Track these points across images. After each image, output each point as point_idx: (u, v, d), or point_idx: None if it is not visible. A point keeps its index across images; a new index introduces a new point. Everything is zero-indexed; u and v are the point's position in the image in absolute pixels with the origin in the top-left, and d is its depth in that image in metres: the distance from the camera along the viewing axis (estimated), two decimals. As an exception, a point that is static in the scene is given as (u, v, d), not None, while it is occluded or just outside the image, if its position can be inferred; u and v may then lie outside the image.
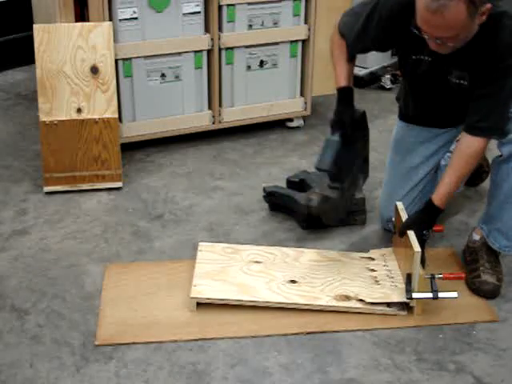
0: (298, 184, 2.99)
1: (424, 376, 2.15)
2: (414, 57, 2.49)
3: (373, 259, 2.63)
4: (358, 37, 2.53)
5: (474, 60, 2.35)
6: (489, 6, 2.18)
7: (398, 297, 2.40)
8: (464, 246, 2.69)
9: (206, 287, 2.43)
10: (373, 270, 2.56)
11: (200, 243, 2.69)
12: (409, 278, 2.36)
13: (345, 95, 2.56)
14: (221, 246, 2.68)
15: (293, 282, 2.49)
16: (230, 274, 2.52)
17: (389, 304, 2.39)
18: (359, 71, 4.34)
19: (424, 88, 2.61)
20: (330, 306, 2.38)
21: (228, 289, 2.43)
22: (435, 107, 2.65)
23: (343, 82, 2.56)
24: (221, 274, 2.51)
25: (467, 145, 2.39)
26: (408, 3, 2.27)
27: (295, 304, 2.38)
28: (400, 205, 2.58)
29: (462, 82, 2.43)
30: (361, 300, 2.40)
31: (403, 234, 2.44)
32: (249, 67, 3.59)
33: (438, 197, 2.42)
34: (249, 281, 2.48)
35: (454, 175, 2.41)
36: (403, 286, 2.42)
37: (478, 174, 3.09)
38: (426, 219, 2.45)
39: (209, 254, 2.62)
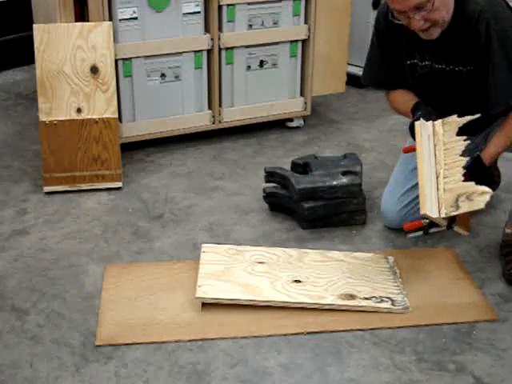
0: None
1: (424, 376, 2.15)
2: (408, 62, 2.57)
3: (376, 260, 2.64)
4: (376, 67, 2.70)
5: (463, 47, 2.43)
6: None
7: (400, 297, 2.42)
8: (500, 241, 2.71)
9: (210, 287, 2.43)
10: (376, 270, 2.57)
11: (203, 245, 2.69)
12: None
13: (418, 105, 2.61)
14: (224, 248, 2.68)
15: (297, 281, 2.49)
16: (235, 274, 2.52)
17: (393, 302, 2.40)
18: (359, 71, 4.34)
19: (426, 88, 2.65)
20: (336, 305, 2.39)
21: (233, 289, 2.43)
22: (440, 105, 2.67)
23: (412, 102, 2.62)
24: (225, 275, 2.51)
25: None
26: (387, 8, 2.42)
27: (301, 303, 2.38)
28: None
29: (464, 68, 2.49)
30: (366, 298, 2.41)
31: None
32: (249, 67, 3.59)
33: (486, 155, 2.49)
34: (253, 281, 2.48)
35: (502, 139, 2.50)
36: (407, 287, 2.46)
37: (488, 184, 3.08)
38: (475, 175, 2.46)
39: (212, 255, 2.62)
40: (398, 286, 2.49)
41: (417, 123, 2.48)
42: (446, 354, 2.23)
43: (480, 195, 2.33)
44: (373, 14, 4.26)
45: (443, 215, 2.36)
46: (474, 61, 2.46)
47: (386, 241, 2.81)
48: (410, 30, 2.40)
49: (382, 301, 2.41)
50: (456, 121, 2.45)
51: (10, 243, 2.78)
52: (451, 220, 2.40)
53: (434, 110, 2.54)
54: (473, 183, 2.35)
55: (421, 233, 2.48)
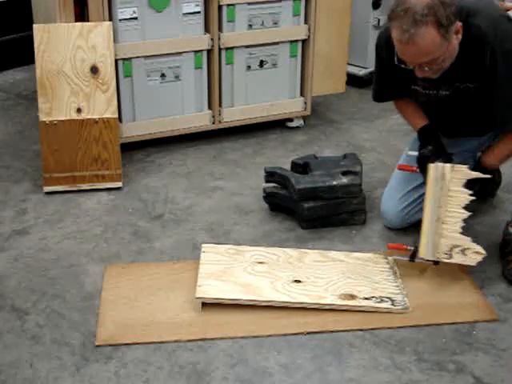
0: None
1: (424, 376, 2.15)
2: (412, 87, 2.59)
3: (376, 260, 2.64)
4: (383, 85, 2.73)
5: (469, 70, 2.43)
6: (459, 24, 2.27)
7: (400, 297, 2.42)
8: (500, 240, 2.72)
9: (210, 287, 2.43)
10: (376, 270, 2.57)
11: (203, 245, 2.69)
12: None
13: (427, 131, 2.64)
14: (224, 248, 2.68)
15: (297, 281, 2.49)
16: (235, 274, 2.52)
17: (393, 302, 2.40)
18: (359, 71, 4.35)
19: (429, 110, 2.67)
20: (336, 305, 2.39)
21: (233, 289, 2.43)
22: (444, 123, 2.70)
23: (421, 123, 2.66)
24: (225, 275, 2.51)
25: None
26: (388, 35, 2.38)
27: (301, 303, 2.38)
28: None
29: (471, 84, 2.48)
30: (366, 298, 2.41)
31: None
32: (249, 67, 3.59)
33: (487, 162, 2.54)
34: (253, 281, 2.48)
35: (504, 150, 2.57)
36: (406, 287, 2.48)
37: (488, 186, 3.08)
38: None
39: (212, 255, 2.62)
40: (397, 286, 2.49)
41: (430, 165, 2.53)
42: (446, 354, 2.23)
43: (474, 253, 2.48)
44: (373, 14, 4.27)
45: (436, 259, 2.51)
46: (480, 79, 2.45)
47: (386, 241, 2.80)
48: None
49: (382, 301, 2.41)
50: (466, 172, 2.51)
51: (10, 243, 2.78)
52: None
53: (443, 145, 2.58)
54: (469, 238, 2.49)
55: (407, 258, 2.57)
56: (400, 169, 2.75)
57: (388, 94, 2.75)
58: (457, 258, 2.48)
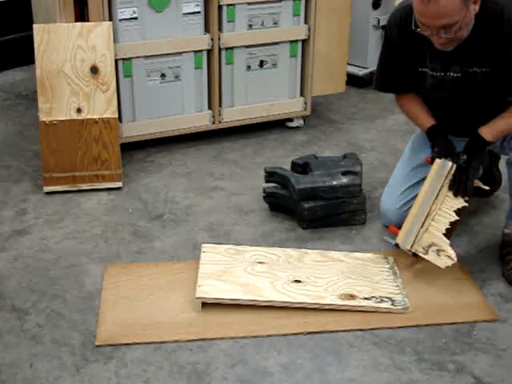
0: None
1: (424, 376, 2.15)
2: (420, 69, 2.58)
3: (376, 260, 2.64)
4: (388, 72, 2.70)
5: (482, 48, 2.42)
6: None
7: (400, 297, 2.42)
8: (500, 241, 2.73)
9: (211, 287, 2.43)
10: (376, 270, 2.57)
11: (203, 245, 2.69)
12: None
13: (435, 131, 2.63)
14: (224, 248, 2.68)
15: (297, 281, 2.49)
16: (235, 274, 2.52)
17: (393, 302, 2.40)
18: (359, 71, 4.35)
19: (435, 96, 2.65)
20: (336, 305, 2.39)
21: (233, 289, 2.43)
22: (447, 113, 2.68)
23: (428, 123, 2.65)
24: (225, 275, 2.51)
25: None
26: (406, 14, 2.45)
27: (301, 303, 2.38)
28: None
29: (479, 69, 2.47)
30: (366, 298, 2.41)
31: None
32: (249, 67, 3.59)
33: (487, 130, 2.49)
34: (253, 281, 2.48)
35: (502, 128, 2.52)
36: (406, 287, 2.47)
37: (489, 184, 3.07)
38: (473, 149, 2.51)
39: (212, 254, 2.62)
40: (397, 286, 2.49)
41: (438, 160, 2.55)
42: (446, 354, 2.24)
43: (446, 257, 2.49)
44: (373, 14, 4.27)
45: (413, 251, 2.55)
46: (491, 61, 2.44)
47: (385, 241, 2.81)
48: (427, 38, 2.40)
49: (382, 301, 2.41)
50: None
51: (10, 243, 2.78)
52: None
53: (451, 145, 2.57)
54: (448, 242, 2.51)
55: (394, 243, 2.60)
56: (428, 162, 2.70)
57: (393, 82, 2.71)
58: (431, 256, 2.52)
